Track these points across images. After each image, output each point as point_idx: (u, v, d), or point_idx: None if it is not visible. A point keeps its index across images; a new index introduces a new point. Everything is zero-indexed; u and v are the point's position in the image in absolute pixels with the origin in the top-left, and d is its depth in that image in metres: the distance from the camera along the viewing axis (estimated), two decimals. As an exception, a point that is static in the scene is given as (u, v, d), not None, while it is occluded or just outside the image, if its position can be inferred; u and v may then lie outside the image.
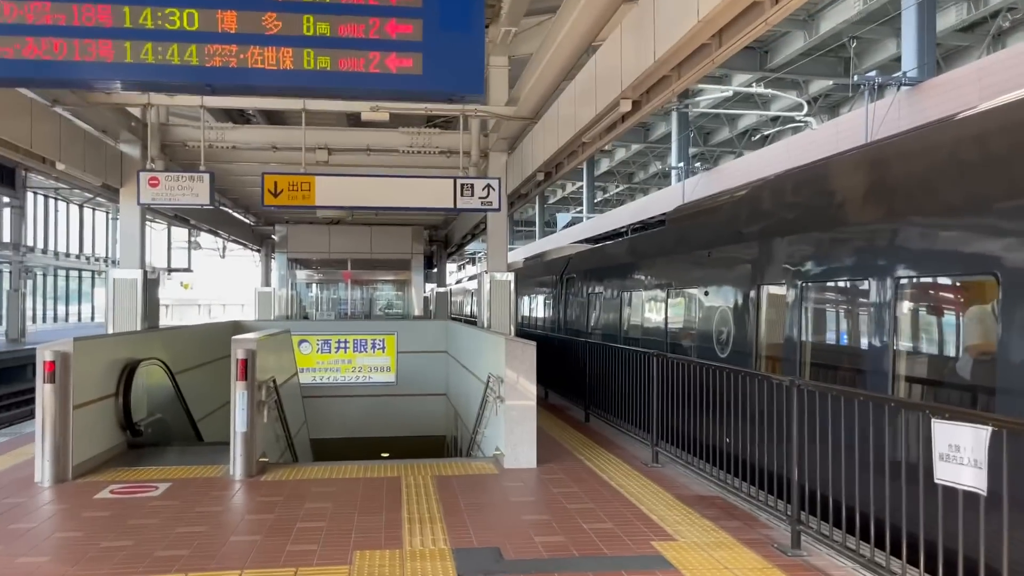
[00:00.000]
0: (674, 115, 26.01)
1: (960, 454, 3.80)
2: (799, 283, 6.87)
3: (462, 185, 8.91)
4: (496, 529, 5.71)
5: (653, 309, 10.77)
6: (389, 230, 20.18)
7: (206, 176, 9.58)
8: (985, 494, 3.64)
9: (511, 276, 10.31)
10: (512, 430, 7.87)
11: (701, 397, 6.95)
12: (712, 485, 6.75)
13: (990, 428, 3.65)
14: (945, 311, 5.58)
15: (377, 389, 16.10)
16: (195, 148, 11.19)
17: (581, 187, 42.78)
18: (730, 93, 26.85)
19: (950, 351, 5.30)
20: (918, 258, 5.51)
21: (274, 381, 8.36)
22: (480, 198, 8.86)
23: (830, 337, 6.72)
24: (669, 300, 10.17)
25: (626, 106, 7.42)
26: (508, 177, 11.13)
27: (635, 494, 6.69)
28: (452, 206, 8.91)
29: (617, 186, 50.38)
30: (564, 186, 51.89)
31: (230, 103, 11.31)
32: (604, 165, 45.54)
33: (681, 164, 24.21)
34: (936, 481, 3.94)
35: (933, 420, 3.98)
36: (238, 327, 13.81)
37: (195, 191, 9.54)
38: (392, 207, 9.08)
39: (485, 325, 10.18)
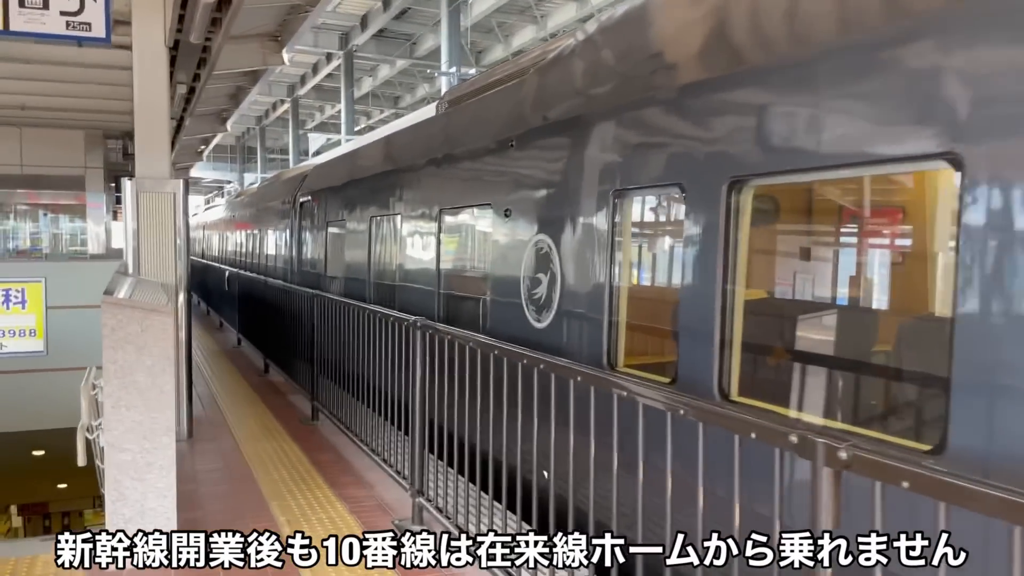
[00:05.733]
0: (444, 6, 21.56)
1: None
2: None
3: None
4: None
5: (420, 245, 6.83)
6: (50, 135, 14.37)
7: None
8: None
9: (178, 187, 5.89)
10: (122, 493, 3.80)
11: (497, 398, 3.35)
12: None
13: None
14: None
15: (17, 362, 11.09)
16: None
17: (340, 110, 37.59)
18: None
19: None
20: None
21: None
22: (64, 12, 4.31)
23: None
24: (443, 227, 6.27)
25: None
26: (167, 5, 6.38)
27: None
28: None
29: (381, 111, 45.59)
30: (323, 109, 46.61)
31: None
32: (366, 85, 40.71)
33: (453, 70, 19.97)
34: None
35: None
36: None
37: None
38: None
39: (129, 270, 5.77)
